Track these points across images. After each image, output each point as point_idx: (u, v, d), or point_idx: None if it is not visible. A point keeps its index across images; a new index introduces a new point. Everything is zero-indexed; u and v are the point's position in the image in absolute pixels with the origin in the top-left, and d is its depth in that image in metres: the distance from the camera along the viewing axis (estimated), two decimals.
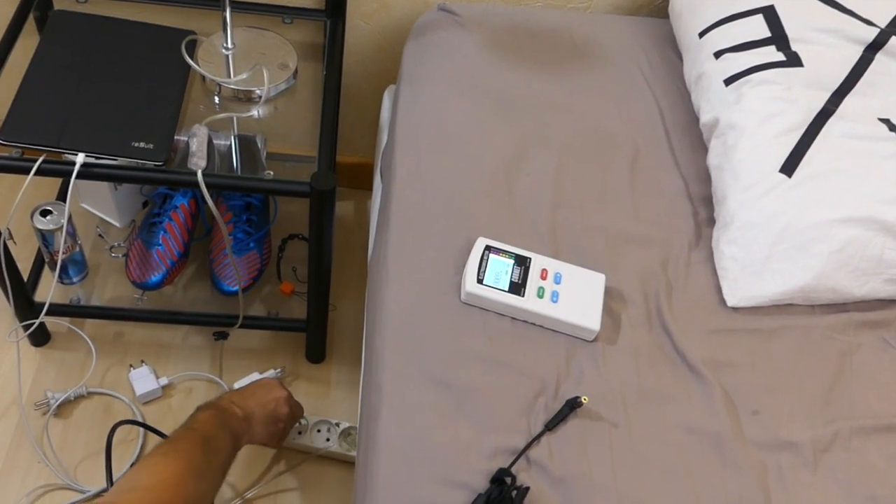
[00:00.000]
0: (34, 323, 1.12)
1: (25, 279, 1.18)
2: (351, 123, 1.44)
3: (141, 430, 1.20)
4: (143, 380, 1.23)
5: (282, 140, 1.07)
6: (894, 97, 0.92)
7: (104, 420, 1.21)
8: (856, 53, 0.94)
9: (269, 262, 1.32)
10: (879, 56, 0.93)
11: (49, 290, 1.08)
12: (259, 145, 1.06)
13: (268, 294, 1.31)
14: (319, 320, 1.24)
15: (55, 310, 1.23)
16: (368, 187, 1.44)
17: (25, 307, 1.17)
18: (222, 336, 1.29)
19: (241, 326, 1.30)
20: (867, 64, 0.93)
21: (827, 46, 0.94)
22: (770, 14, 0.98)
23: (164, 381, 1.24)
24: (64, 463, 1.16)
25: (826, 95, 0.91)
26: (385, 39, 1.30)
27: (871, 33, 0.94)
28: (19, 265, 1.12)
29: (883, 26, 0.95)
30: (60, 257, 1.16)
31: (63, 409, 1.22)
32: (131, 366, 1.24)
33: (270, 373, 1.26)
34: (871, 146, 0.88)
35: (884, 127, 0.90)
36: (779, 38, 0.96)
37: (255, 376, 1.24)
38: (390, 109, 1.17)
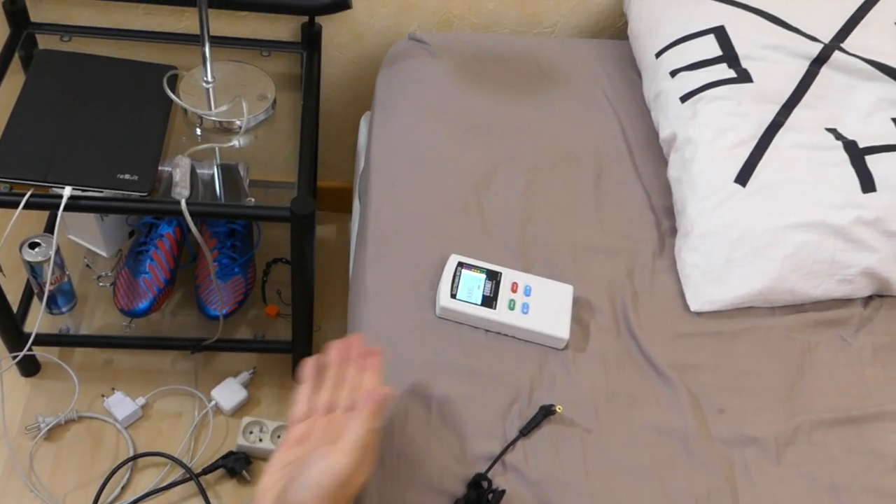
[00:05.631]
0: (21, 354, 1.14)
1: (15, 310, 1.20)
2: (331, 149, 1.48)
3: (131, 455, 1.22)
4: (120, 405, 1.25)
5: (263, 167, 1.10)
6: (840, 108, 0.97)
7: (95, 445, 1.23)
8: (802, 68, 0.98)
9: (254, 286, 1.35)
10: (824, 69, 0.98)
11: (38, 321, 1.10)
12: (241, 173, 1.10)
13: (254, 317, 1.34)
14: (304, 341, 1.26)
15: (44, 340, 1.25)
16: (350, 210, 1.48)
17: (15, 338, 1.19)
18: (197, 349, 1.30)
19: (228, 349, 1.33)
20: (813, 77, 0.98)
21: (774, 62, 0.99)
22: (720, 34, 1.02)
23: (141, 400, 1.26)
24: (55, 492, 1.18)
25: (776, 108, 0.96)
26: (360, 68, 1.34)
27: (815, 48, 0.99)
28: (8, 297, 1.14)
29: (826, 41, 1.00)
30: (48, 288, 1.18)
31: (54, 433, 1.23)
32: (103, 395, 1.26)
33: (244, 375, 1.30)
34: (819, 155, 0.93)
35: (830, 136, 0.94)
36: (729, 56, 1.00)
37: (229, 382, 1.27)
38: (367, 135, 1.21)
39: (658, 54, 1.07)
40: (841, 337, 0.92)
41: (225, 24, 1.25)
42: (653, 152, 1.06)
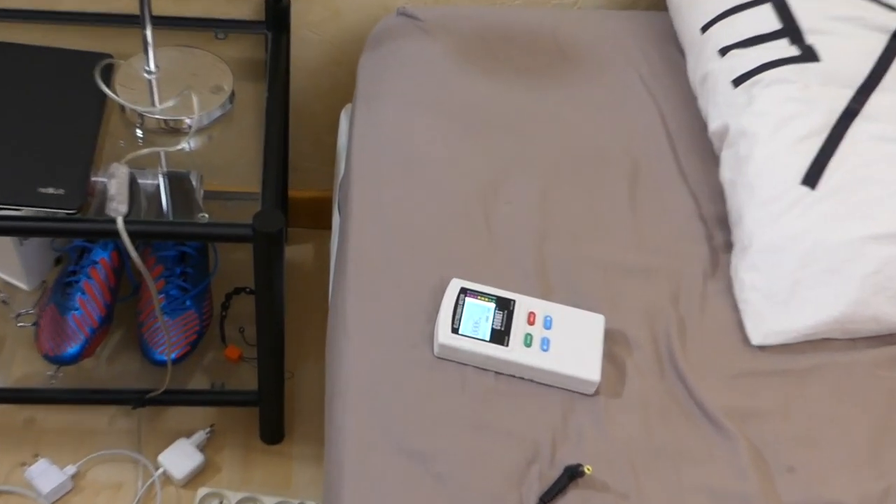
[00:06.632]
0: None
1: None
2: (305, 151, 1.50)
3: None
4: (44, 476, 1.25)
5: (222, 175, 1.11)
6: None
7: None
8: (880, 43, 1.00)
9: (210, 323, 1.36)
10: None
11: None
12: (194, 183, 1.11)
13: (211, 362, 1.34)
14: (274, 391, 1.27)
15: None
16: (329, 226, 1.49)
17: None
18: (140, 403, 1.29)
19: (179, 403, 1.33)
20: (893, 55, 0.99)
21: (846, 37, 1.00)
22: (779, 3, 1.04)
23: (71, 469, 1.27)
24: None
25: (849, 93, 0.97)
26: (339, 51, 1.36)
27: (894, 20, 1.01)
28: None
29: None
30: None
31: None
32: (23, 464, 1.27)
33: (199, 435, 1.31)
34: None
35: None
36: (791, 29, 1.02)
37: (181, 444, 1.28)
38: (347, 133, 1.23)
39: (704, 28, 1.08)
40: None
41: (170, 1, 1.27)
42: (701, 148, 1.08)
